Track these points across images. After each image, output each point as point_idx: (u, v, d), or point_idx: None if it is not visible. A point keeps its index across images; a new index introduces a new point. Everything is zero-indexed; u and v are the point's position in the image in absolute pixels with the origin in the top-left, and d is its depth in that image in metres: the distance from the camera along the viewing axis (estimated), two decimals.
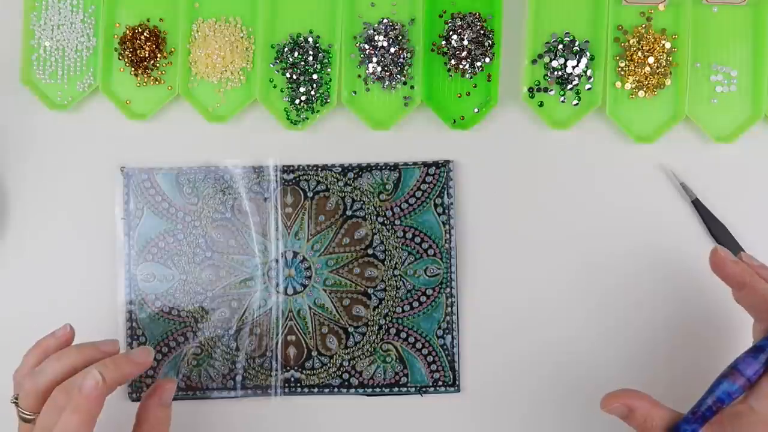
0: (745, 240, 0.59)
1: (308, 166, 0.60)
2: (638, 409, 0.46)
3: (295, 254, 0.60)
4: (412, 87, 0.59)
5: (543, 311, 0.60)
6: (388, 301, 0.59)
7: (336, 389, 0.59)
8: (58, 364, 0.49)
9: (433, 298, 0.59)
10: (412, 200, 0.60)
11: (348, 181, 0.60)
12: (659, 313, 0.59)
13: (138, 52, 0.60)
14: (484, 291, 0.60)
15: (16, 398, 0.49)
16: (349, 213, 0.60)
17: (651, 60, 0.58)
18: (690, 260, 0.59)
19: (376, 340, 0.59)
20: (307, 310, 0.60)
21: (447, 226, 0.59)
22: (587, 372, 0.59)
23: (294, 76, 0.60)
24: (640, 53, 0.58)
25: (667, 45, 0.58)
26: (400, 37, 0.59)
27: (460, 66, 0.59)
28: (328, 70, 0.60)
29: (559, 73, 0.58)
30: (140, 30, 0.60)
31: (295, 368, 0.59)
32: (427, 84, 0.60)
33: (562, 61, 0.58)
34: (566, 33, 0.59)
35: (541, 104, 0.59)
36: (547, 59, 0.59)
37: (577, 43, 0.59)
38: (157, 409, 0.52)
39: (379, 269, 0.59)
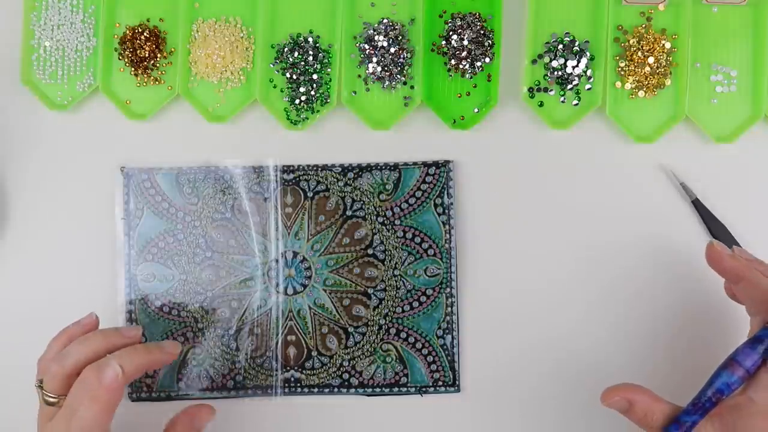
0: (745, 240, 0.59)
1: (308, 166, 0.60)
2: (638, 403, 0.47)
3: (295, 254, 0.60)
4: (412, 87, 0.59)
5: (543, 311, 0.60)
6: (388, 301, 0.59)
7: (336, 389, 0.59)
8: (83, 347, 0.50)
9: (433, 298, 0.59)
10: (412, 200, 0.60)
11: (348, 181, 0.60)
12: (659, 312, 0.59)
13: (138, 52, 0.60)
14: (484, 291, 0.60)
15: (41, 382, 0.50)
16: (349, 213, 0.60)
17: (651, 60, 0.58)
18: (690, 260, 0.59)
19: (376, 340, 0.59)
20: (307, 310, 0.60)
21: (447, 226, 0.59)
22: (588, 372, 0.59)
23: (294, 76, 0.60)
24: (640, 53, 0.58)
25: (667, 45, 0.58)
26: (400, 37, 0.59)
27: (460, 66, 0.59)
28: (328, 70, 0.60)
29: (559, 73, 0.58)
30: (140, 30, 0.60)
31: (295, 368, 0.59)
32: (427, 84, 0.60)
33: (562, 61, 0.58)
34: (566, 33, 0.59)
35: (541, 104, 0.59)
36: (547, 59, 0.59)
37: (577, 43, 0.59)
38: (185, 429, 0.53)
39: (379, 269, 0.59)
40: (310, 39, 0.60)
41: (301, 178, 0.60)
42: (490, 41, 0.59)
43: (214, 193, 0.60)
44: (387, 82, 0.59)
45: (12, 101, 0.62)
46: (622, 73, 0.59)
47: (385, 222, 0.60)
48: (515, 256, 0.60)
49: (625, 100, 0.59)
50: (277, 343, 0.59)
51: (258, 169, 0.60)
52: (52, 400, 0.49)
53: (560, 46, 0.59)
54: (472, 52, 0.59)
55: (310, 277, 0.60)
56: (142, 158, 0.61)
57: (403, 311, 0.59)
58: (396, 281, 0.59)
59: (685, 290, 0.59)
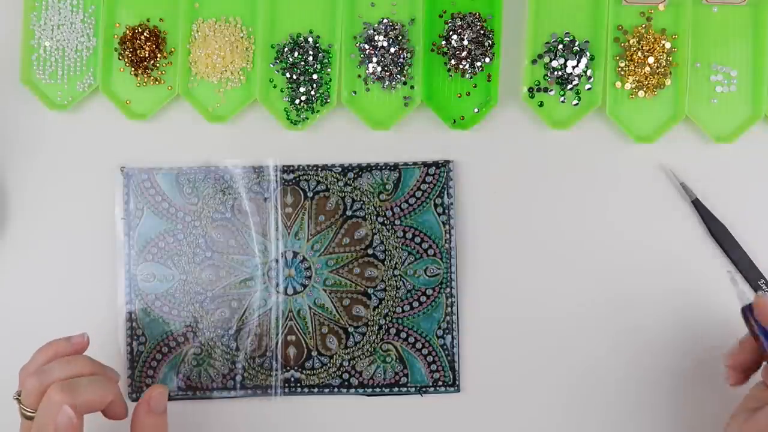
0: (745, 240, 0.59)
1: (308, 166, 0.60)
2: None
3: (295, 254, 0.60)
4: (412, 87, 0.59)
5: (543, 311, 0.60)
6: (388, 301, 0.59)
7: (336, 389, 0.59)
8: (67, 368, 0.49)
9: (433, 298, 0.59)
10: (412, 200, 0.60)
11: (348, 181, 0.60)
12: (658, 311, 0.59)
13: (138, 52, 0.60)
14: (484, 291, 0.60)
15: (19, 395, 0.49)
16: (349, 213, 0.60)
17: (651, 60, 0.58)
18: (689, 260, 0.59)
19: (376, 340, 0.59)
20: (307, 310, 0.60)
21: (447, 226, 0.59)
22: (587, 371, 0.59)
23: (294, 76, 0.60)
24: (640, 53, 0.58)
25: (667, 45, 0.58)
26: (400, 37, 0.59)
27: (460, 66, 0.59)
28: (328, 70, 0.60)
29: (559, 73, 0.58)
30: (140, 30, 0.60)
31: (295, 368, 0.59)
32: (427, 84, 0.60)
33: (562, 61, 0.58)
34: (566, 33, 0.59)
35: (541, 104, 0.59)
36: (547, 59, 0.59)
37: (577, 43, 0.59)
38: (146, 416, 0.51)
39: (379, 269, 0.59)
40: (310, 39, 0.60)
41: (301, 178, 0.60)
42: (490, 41, 0.59)
43: (214, 193, 0.60)
44: (387, 82, 0.59)
45: (12, 101, 0.62)
46: (622, 73, 0.59)
47: (385, 222, 0.60)
48: (515, 256, 0.60)
49: (625, 100, 0.59)
50: (277, 343, 0.59)
51: (258, 169, 0.60)
52: (29, 414, 0.48)
53: (560, 46, 0.59)
54: (472, 52, 0.59)
55: (310, 277, 0.60)
56: (142, 158, 0.61)
57: (403, 311, 0.59)
58: (396, 281, 0.59)
59: (685, 290, 0.59)
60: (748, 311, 0.49)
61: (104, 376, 0.51)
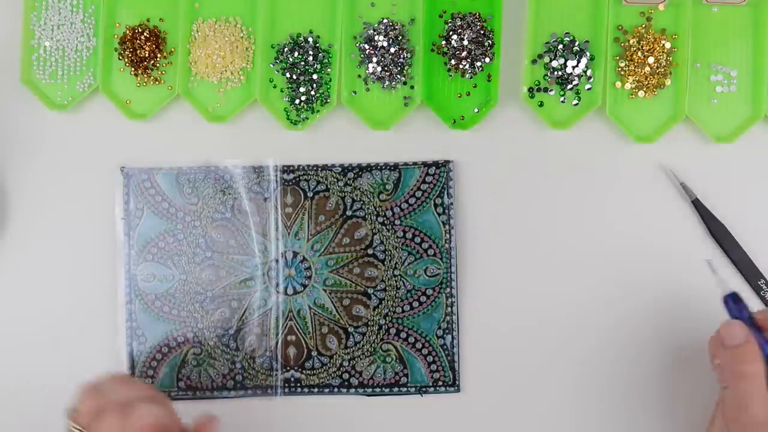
0: (745, 240, 0.59)
1: (308, 166, 0.60)
2: None
3: (295, 254, 0.60)
4: (412, 87, 0.59)
5: (543, 311, 0.60)
6: (388, 301, 0.59)
7: (336, 389, 0.59)
8: (124, 390, 0.49)
9: (433, 298, 0.59)
10: (412, 200, 0.60)
11: (348, 181, 0.60)
12: (658, 312, 0.59)
13: (138, 52, 0.60)
14: (484, 291, 0.60)
15: (73, 411, 0.48)
16: (349, 213, 0.60)
17: (651, 60, 0.58)
18: (689, 260, 0.59)
19: (376, 340, 0.59)
20: (307, 310, 0.60)
21: (447, 226, 0.59)
22: (587, 371, 0.59)
23: (294, 76, 0.60)
24: (640, 53, 0.58)
25: (667, 45, 0.58)
26: (400, 37, 0.59)
27: (460, 66, 0.59)
28: (328, 70, 0.60)
29: (559, 73, 0.58)
30: (140, 30, 0.60)
31: (295, 368, 0.59)
32: (427, 84, 0.60)
33: (562, 61, 0.58)
34: (566, 33, 0.59)
35: (541, 104, 0.59)
36: (547, 59, 0.59)
37: (577, 43, 0.59)
38: None
39: (379, 269, 0.59)
40: (310, 39, 0.60)
41: (301, 178, 0.60)
42: (490, 41, 0.59)
43: (214, 193, 0.60)
44: (387, 82, 0.59)
45: (12, 101, 0.62)
46: (622, 73, 0.59)
47: (385, 222, 0.60)
48: (515, 256, 0.60)
49: (625, 100, 0.59)
50: (277, 343, 0.59)
51: (258, 169, 0.60)
52: None
53: (560, 46, 0.59)
54: (472, 52, 0.59)
55: (310, 277, 0.60)
56: (142, 158, 0.61)
57: (403, 311, 0.59)
58: (396, 281, 0.59)
59: (684, 290, 0.59)
60: (730, 300, 0.49)
61: (161, 401, 0.50)
